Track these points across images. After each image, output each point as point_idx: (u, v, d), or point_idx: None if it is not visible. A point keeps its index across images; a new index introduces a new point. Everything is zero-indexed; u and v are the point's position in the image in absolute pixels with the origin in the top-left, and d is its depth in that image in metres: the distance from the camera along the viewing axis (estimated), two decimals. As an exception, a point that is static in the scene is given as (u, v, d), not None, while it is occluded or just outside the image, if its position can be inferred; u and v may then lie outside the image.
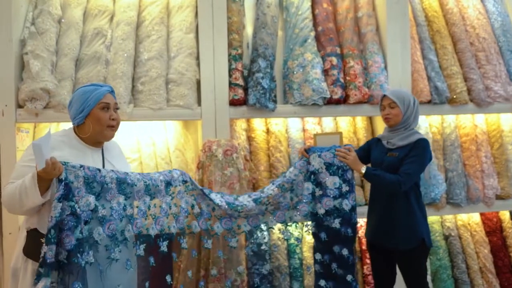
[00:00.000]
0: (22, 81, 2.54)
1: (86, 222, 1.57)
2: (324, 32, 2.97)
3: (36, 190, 1.48)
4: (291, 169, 2.27)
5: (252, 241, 2.84)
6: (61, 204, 1.47)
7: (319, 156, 2.23)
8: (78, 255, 1.49)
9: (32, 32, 2.59)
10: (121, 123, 2.54)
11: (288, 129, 2.99)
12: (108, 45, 2.74)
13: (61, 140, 1.70)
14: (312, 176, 2.22)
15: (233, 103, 2.75)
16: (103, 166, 1.76)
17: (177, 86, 2.72)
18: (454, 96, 3.02)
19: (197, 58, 2.80)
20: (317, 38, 2.98)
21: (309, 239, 2.89)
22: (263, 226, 2.25)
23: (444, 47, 3.09)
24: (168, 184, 1.92)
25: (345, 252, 2.19)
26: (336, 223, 2.18)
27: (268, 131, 2.99)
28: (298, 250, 2.93)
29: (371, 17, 3.03)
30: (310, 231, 2.28)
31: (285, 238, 2.29)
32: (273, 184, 2.26)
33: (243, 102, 2.77)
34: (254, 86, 2.74)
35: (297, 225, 2.32)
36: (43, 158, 1.43)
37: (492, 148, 3.23)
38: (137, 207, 1.76)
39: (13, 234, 2.45)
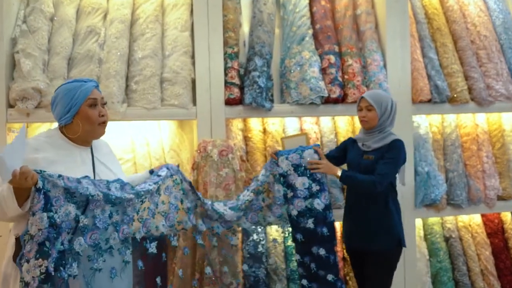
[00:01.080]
0: (13, 80, 2.48)
1: (67, 233, 1.50)
2: (322, 30, 2.91)
3: (13, 201, 1.41)
4: (262, 171, 2.32)
5: (248, 242, 2.80)
6: (45, 214, 1.40)
7: (287, 158, 2.28)
8: (61, 268, 1.43)
9: (24, 30, 2.54)
10: (115, 123, 2.55)
11: (285, 129, 2.94)
12: (101, 44, 2.68)
13: (45, 141, 1.61)
14: (282, 178, 2.27)
15: (229, 102, 2.70)
16: (93, 165, 1.70)
17: (171, 85, 2.67)
18: (455, 95, 2.97)
19: (192, 56, 2.74)
20: (315, 36, 2.92)
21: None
22: (236, 227, 2.30)
23: (444, 45, 3.04)
24: (157, 184, 1.87)
25: (322, 252, 2.21)
26: (310, 223, 2.21)
27: (265, 131, 2.94)
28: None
29: (370, 15, 2.97)
30: (287, 234, 2.35)
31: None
32: (247, 190, 2.31)
33: (239, 101, 2.72)
34: (250, 85, 2.68)
35: (277, 228, 2.40)
36: (7, 170, 1.30)
37: (493, 148, 3.17)
38: (123, 213, 1.70)
39: (4, 237, 2.40)
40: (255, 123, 2.93)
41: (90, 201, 1.55)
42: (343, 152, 2.41)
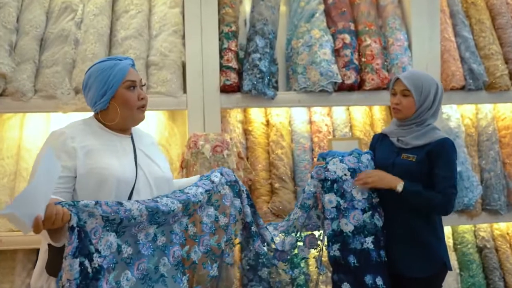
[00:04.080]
0: (-24, 64, 2.16)
1: (109, 270, 1.25)
2: (335, 5, 2.53)
3: (47, 240, 1.21)
4: (309, 181, 1.90)
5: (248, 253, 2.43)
6: (78, 259, 1.14)
7: (341, 161, 1.85)
8: None
9: (-11, 6, 2.21)
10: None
11: (291, 121, 2.56)
12: (78, 22, 2.35)
13: (82, 129, 1.46)
14: (335, 185, 1.82)
15: (225, 89, 2.33)
16: (135, 155, 1.50)
17: (158, 70, 2.32)
18: (493, 81, 2.59)
19: (184, 37, 2.38)
20: (327, 12, 2.53)
21: (314, 250, 2.45)
22: (301, 263, 1.88)
23: (481, 22, 2.65)
24: (209, 193, 1.59)
25: (379, 281, 1.74)
26: (368, 243, 1.76)
27: (268, 123, 2.56)
28: (302, 264, 2.49)
29: (392, -13, 2.57)
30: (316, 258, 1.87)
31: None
32: (296, 206, 1.92)
33: (236, 88, 2.35)
34: (250, 69, 2.30)
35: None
36: (25, 223, 1.04)
37: (537, 144, 2.75)
38: (171, 232, 1.46)
39: None
40: (256, 114, 2.55)
41: (132, 225, 1.31)
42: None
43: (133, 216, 1.28)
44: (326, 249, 1.83)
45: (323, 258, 1.94)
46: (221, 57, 2.34)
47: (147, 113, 2.42)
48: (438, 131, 1.79)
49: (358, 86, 2.45)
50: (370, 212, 1.79)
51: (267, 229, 1.80)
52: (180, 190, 1.52)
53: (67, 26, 2.30)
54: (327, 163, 1.85)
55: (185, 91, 2.33)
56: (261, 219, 1.82)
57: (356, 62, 2.42)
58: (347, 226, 1.77)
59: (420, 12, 2.51)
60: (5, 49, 2.18)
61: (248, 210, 1.74)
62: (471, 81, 2.52)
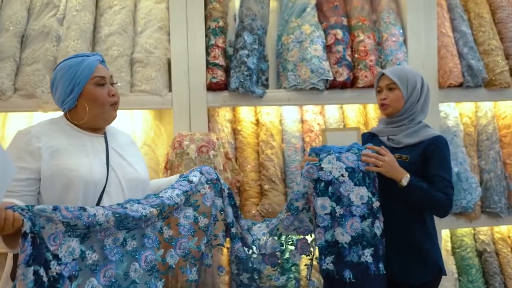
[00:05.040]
0: (-47, 62, 2.09)
1: (71, 278, 1.17)
2: (327, 0, 2.41)
3: (3, 247, 1.17)
4: (299, 179, 1.69)
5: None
6: (32, 268, 1.06)
7: (338, 158, 1.61)
8: None
9: (-33, 2, 2.14)
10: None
11: (282, 120, 2.46)
12: (60, 18, 2.26)
13: (48, 128, 1.39)
14: (330, 187, 1.59)
15: (211, 87, 2.24)
16: (107, 155, 1.42)
17: (143, 67, 2.24)
18: (493, 78, 2.48)
19: (169, 33, 2.29)
20: (318, 6, 2.44)
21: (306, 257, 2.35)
22: (292, 268, 1.75)
23: (480, 16, 2.54)
24: (187, 194, 1.50)
25: None
26: (366, 256, 1.56)
27: (258, 123, 2.47)
28: (294, 269, 2.39)
29: (386, -20, 2.46)
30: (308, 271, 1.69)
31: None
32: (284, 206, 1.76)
33: (224, 86, 2.26)
34: (237, 66, 2.21)
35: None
36: None
37: (539, 144, 2.65)
38: (143, 235, 1.37)
39: None
40: (246, 113, 2.46)
41: (97, 231, 1.23)
42: None
43: (98, 222, 1.20)
44: (317, 262, 1.63)
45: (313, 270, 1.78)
46: (207, 54, 2.26)
47: (134, 112, 2.38)
48: (429, 129, 1.71)
49: (351, 84, 2.34)
50: (370, 219, 1.58)
51: (249, 232, 1.68)
52: (154, 194, 1.44)
53: (49, 23, 2.22)
54: (321, 160, 1.62)
55: (170, 89, 2.25)
56: (244, 220, 1.71)
57: (348, 58, 2.32)
58: (343, 236, 1.56)
59: (416, 6, 2.40)
60: (-16, 46, 2.11)
61: (229, 210, 1.64)
62: (469, 78, 2.41)
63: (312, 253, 1.70)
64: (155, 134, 2.41)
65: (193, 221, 1.51)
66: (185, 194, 1.49)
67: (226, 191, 1.63)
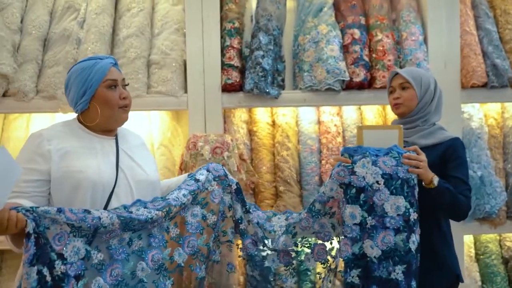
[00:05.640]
0: (-19, 65, 2.18)
1: (78, 277, 1.18)
2: (345, -1, 2.37)
3: (10, 244, 1.20)
4: (327, 181, 1.55)
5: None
6: (35, 267, 1.08)
7: (375, 163, 1.46)
8: None
9: (-6, 8, 2.23)
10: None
11: (298, 121, 2.43)
12: (80, 22, 2.32)
13: (60, 130, 1.42)
14: (362, 195, 1.46)
15: (226, 88, 2.24)
16: (117, 157, 1.44)
17: (159, 69, 2.27)
18: None
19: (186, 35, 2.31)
20: (336, 6, 2.39)
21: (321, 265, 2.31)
22: (295, 265, 1.62)
23: (506, 13, 2.41)
24: (194, 193, 1.50)
25: None
26: (397, 273, 1.42)
27: (274, 124, 2.44)
28: (310, 272, 2.37)
29: (407, -23, 2.39)
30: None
31: None
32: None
33: (238, 87, 2.26)
34: (252, 67, 2.20)
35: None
36: None
37: None
38: (149, 235, 1.38)
39: None
40: (262, 114, 2.45)
41: (102, 233, 1.25)
42: None
43: (103, 225, 1.22)
44: (341, 275, 1.51)
45: (328, 283, 1.63)
46: (223, 55, 2.26)
47: (151, 113, 2.41)
48: (444, 131, 1.66)
49: (368, 84, 2.29)
50: (405, 233, 1.42)
51: (259, 226, 1.59)
52: (161, 198, 1.44)
53: (70, 26, 2.28)
54: (354, 162, 1.47)
55: (186, 90, 2.26)
56: (262, 211, 1.65)
57: (366, 58, 2.26)
58: (373, 250, 1.42)
59: (438, 4, 2.31)
60: (8, 49, 2.18)
61: (238, 206, 1.60)
62: (494, 77, 2.30)
63: (328, 263, 1.59)
64: (172, 135, 2.43)
65: (201, 219, 1.50)
66: (192, 193, 1.48)
67: (234, 186, 1.60)
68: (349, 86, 2.26)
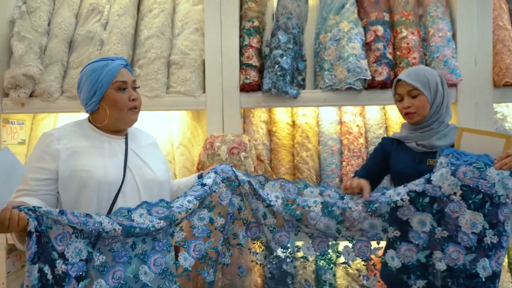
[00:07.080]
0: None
1: (79, 278, 1.19)
2: (368, -6, 2.28)
3: (16, 241, 1.23)
4: (399, 188, 1.47)
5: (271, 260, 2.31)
6: (36, 266, 1.09)
7: (454, 173, 1.34)
8: None
9: (23, 11, 2.32)
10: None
11: (319, 122, 2.36)
12: (104, 23, 2.37)
13: (71, 130, 1.45)
14: (435, 204, 1.39)
15: (245, 88, 2.20)
16: (125, 156, 1.45)
17: (179, 69, 2.27)
18: None
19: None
20: (359, 2, 2.29)
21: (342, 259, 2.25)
22: (331, 254, 1.54)
23: None
24: (200, 198, 1.47)
25: None
26: None
27: (294, 124, 2.39)
28: (329, 275, 2.31)
29: (435, -30, 2.25)
30: None
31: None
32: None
33: (257, 87, 2.21)
34: (271, 66, 2.15)
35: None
36: None
37: None
38: (153, 239, 1.37)
39: None
40: (281, 114, 2.40)
41: (105, 237, 1.26)
42: (383, 161, 1.68)
43: (105, 230, 1.21)
44: (405, 279, 1.43)
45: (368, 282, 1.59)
46: (241, 54, 2.23)
47: (172, 113, 2.42)
48: (457, 129, 1.55)
49: (391, 83, 2.19)
50: (474, 255, 1.31)
51: (289, 210, 1.50)
52: (166, 203, 1.41)
53: (93, 28, 2.33)
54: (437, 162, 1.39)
55: (205, 90, 2.25)
56: (292, 183, 1.58)
57: (389, 56, 2.16)
58: (440, 263, 1.36)
59: (468, -3, 2.18)
60: (35, 51, 2.26)
61: (259, 205, 1.55)
62: (529, 75, 2.14)
63: (372, 261, 1.50)
64: (192, 135, 2.44)
65: (208, 222, 1.48)
66: (199, 198, 1.46)
67: (247, 186, 1.55)
68: (371, 85, 2.16)
